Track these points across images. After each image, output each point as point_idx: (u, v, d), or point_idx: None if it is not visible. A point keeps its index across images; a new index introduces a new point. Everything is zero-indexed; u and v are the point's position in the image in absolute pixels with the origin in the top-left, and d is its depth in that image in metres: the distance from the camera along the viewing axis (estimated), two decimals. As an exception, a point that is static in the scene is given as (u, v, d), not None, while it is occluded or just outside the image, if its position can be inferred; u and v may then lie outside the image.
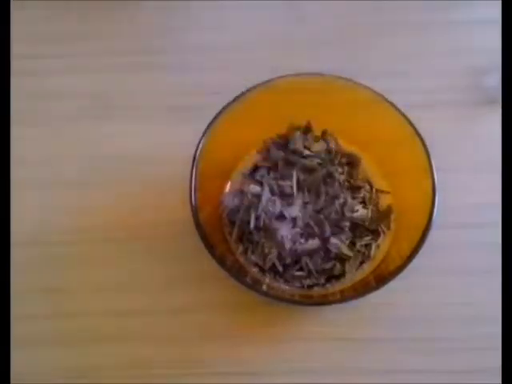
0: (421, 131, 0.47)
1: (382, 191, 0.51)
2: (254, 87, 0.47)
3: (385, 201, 0.51)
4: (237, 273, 0.44)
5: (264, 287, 0.46)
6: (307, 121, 0.51)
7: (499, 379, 0.43)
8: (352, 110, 0.49)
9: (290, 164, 0.50)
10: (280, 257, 0.47)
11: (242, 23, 0.58)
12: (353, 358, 0.48)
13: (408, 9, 0.59)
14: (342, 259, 0.48)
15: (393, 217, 0.50)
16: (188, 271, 0.49)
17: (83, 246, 0.50)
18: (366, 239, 0.49)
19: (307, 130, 0.51)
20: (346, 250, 0.48)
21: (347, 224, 0.49)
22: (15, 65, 0.53)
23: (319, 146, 0.51)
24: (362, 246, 0.49)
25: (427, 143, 0.46)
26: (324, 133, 0.52)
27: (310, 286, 0.48)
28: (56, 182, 0.52)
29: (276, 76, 0.47)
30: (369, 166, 0.52)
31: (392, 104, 0.47)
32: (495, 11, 0.56)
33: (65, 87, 0.55)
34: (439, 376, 0.47)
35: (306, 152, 0.51)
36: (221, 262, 0.43)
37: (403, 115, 0.47)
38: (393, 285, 0.48)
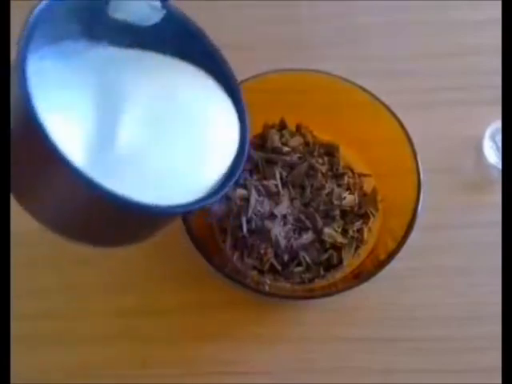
0: (419, 130, 0.47)
1: (365, 175, 0.51)
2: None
3: (368, 184, 0.51)
4: (238, 278, 0.44)
5: (267, 287, 0.46)
6: (281, 117, 0.52)
7: (499, 379, 0.43)
8: (335, 108, 0.50)
9: (271, 163, 0.50)
10: (277, 256, 0.47)
11: (241, 23, 0.58)
12: (353, 358, 0.48)
13: (408, 9, 0.59)
14: (337, 248, 0.49)
15: (379, 198, 0.50)
16: (184, 271, 0.49)
17: (82, 246, 0.50)
18: (357, 224, 0.49)
19: (282, 126, 0.52)
20: (340, 238, 0.48)
21: (337, 212, 0.49)
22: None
23: (296, 141, 0.52)
24: (354, 231, 0.49)
25: (426, 142, 0.47)
26: (299, 126, 0.52)
27: (310, 280, 0.48)
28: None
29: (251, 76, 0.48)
30: (346, 152, 0.52)
31: (381, 102, 0.49)
32: (495, 11, 0.56)
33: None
34: (439, 376, 0.47)
35: (285, 148, 0.51)
36: (220, 270, 0.44)
37: (391, 112, 0.48)
38: (392, 285, 0.49)
